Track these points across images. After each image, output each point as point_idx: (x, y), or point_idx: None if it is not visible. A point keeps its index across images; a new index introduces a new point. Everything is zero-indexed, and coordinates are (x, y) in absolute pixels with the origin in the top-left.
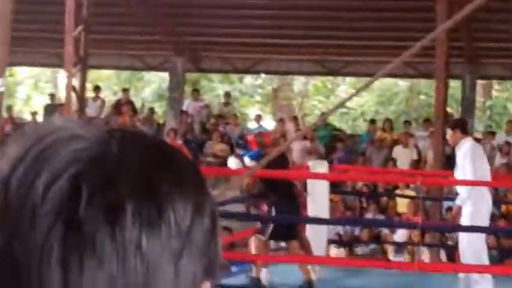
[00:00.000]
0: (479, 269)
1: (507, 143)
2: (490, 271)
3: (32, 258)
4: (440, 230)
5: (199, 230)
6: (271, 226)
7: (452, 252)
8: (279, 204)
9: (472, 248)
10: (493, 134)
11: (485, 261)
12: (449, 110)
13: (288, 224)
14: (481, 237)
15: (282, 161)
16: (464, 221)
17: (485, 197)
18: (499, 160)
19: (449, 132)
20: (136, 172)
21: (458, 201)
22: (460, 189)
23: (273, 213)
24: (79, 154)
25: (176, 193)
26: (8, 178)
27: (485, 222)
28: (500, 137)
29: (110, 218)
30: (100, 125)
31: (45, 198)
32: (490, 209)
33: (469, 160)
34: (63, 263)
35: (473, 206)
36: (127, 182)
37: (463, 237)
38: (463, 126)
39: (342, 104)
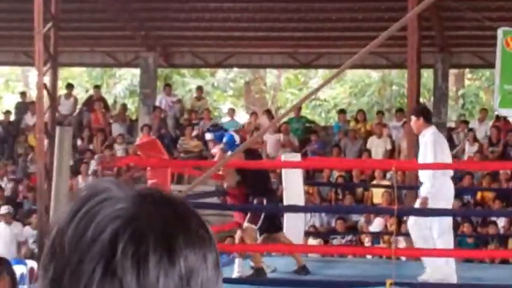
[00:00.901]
0: (454, 253)
1: (470, 129)
2: (464, 256)
3: None
4: (416, 215)
5: (205, 275)
6: (262, 217)
7: None
8: (266, 195)
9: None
10: (466, 122)
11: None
12: (421, 99)
13: (274, 216)
14: (449, 223)
15: (255, 157)
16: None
17: (447, 185)
18: (471, 149)
19: (413, 119)
20: (159, 231)
21: (422, 193)
22: (423, 179)
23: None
24: (118, 213)
25: (188, 247)
26: (65, 227)
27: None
28: (474, 126)
29: (137, 266)
30: (134, 187)
31: (92, 246)
32: (452, 199)
33: (430, 149)
34: None
35: (434, 194)
36: (152, 238)
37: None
38: (426, 115)
39: (311, 95)
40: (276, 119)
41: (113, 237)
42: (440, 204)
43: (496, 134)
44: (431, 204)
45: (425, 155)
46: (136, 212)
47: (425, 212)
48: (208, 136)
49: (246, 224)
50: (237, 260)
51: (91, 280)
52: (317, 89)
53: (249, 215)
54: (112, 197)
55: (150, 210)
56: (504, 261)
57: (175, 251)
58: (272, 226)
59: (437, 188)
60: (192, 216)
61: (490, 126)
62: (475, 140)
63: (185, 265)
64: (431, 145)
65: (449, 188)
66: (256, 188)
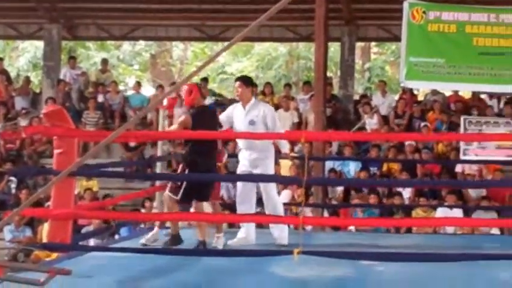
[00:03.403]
0: (363, 222)
1: (366, 103)
2: (372, 225)
3: None
4: (324, 184)
5: None
6: (183, 185)
7: (336, 213)
8: (194, 161)
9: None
10: (366, 96)
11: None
12: (328, 72)
13: (203, 184)
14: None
15: (212, 118)
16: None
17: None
18: (371, 121)
19: (243, 87)
20: None
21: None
22: (253, 146)
23: (186, 171)
24: None
25: None
26: None
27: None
28: (377, 99)
29: None
30: None
31: None
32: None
33: (277, 121)
34: None
35: (271, 162)
36: None
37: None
38: (254, 86)
39: (203, 67)
40: (176, 85)
41: None
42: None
43: (402, 107)
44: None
45: (273, 126)
46: None
47: (334, 181)
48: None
49: (165, 193)
50: (155, 229)
51: None
52: (208, 62)
53: (169, 183)
54: None
55: None
56: (408, 231)
57: None
58: (197, 194)
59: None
60: None
61: (397, 98)
62: (374, 113)
63: None
64: (276, 119)
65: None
66: (197, 150)
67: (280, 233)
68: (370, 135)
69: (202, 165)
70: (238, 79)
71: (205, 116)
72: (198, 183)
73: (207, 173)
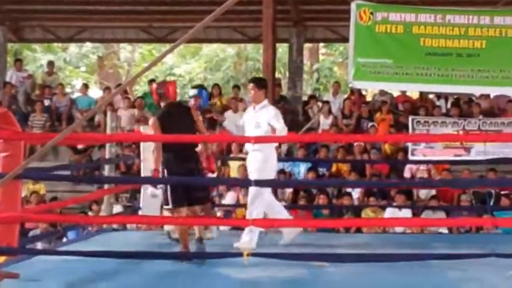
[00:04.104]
0: (310, 223)
1: (325, 102)
2: (319, 226)
3: None
4: (273, 186)
5: None
6: (169, 192)
7: None
8: (169, 163)
9: (259, 199)
10: (314, 97)
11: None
12: (276, 74)
13: (186, 187)
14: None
15: (181, 115)
16: (254, 176)
17: (274, 155)
18: (325, 121)
19: (255, 90)
20: None
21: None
22: (255, 147)
23: (165, 175)
24: None
25: None
26: None
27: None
28: (328, 99)
29: None
30: None
31: None
32: (276, 168)
33: (282, 121)
34: None
35: (264, 163)
36: None
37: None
38: (267, 88)
39: (148, 69)
40: (121, 87)
41: None
42: (268, 172)
43: (349, 107)
44: (261, 173)
45: (273, 126)
46: None
47: (283, 182)
48: (192, 92)
49: (164, 208)
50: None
51: None
52: (153, 63)
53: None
54: None
55: None
56: (358, 230)
57: None
58: (183, 199)
59: (265, 158)
60: None
61: (344, 99)
62: (330, 112)
63: None
64: (281, 119)
65: (275, 158)
66: (170, 150)
67: (245, 239)
68: (319, 136)
69: (175, 168)
70: (251, 81)
71: (172, 114)
72: (178, 187)
73: (183, 176)
